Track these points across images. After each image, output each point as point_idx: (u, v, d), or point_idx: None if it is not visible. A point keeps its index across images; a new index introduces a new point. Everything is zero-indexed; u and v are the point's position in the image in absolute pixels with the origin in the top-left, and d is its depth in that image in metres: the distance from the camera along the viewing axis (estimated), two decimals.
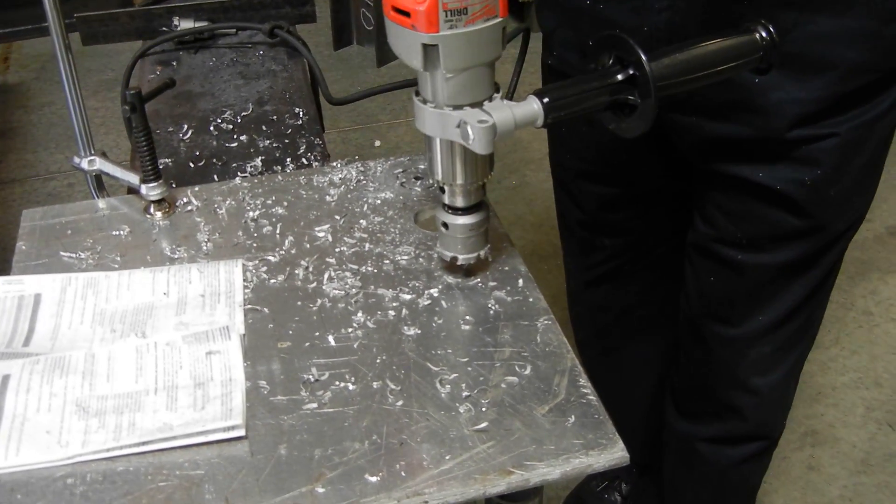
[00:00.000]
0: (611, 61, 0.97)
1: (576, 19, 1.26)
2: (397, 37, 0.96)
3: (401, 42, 0.96)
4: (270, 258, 1.16)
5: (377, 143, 3.36)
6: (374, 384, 0.98)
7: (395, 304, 1.08)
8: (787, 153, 1.20)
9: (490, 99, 0.98)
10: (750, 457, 1.59)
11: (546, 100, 0.94)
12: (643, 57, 0.92)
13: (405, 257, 1.16)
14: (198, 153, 1.47)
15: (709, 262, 1.38)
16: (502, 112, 0.94)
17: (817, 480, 2.11)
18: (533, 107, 0.94)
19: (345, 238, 1.19)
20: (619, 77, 0.95)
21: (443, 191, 1.07)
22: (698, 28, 1.11)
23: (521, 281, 1.12)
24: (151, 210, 1.24)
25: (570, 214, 1.59)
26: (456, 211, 1.08)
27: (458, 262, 1.10)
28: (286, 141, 1.50)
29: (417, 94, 1.00)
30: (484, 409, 0.94)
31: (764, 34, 1.01)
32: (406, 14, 0.92)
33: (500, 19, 0.94)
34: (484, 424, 0.93)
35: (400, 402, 0.95)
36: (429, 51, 0.94)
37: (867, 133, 1.20)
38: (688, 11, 1.12)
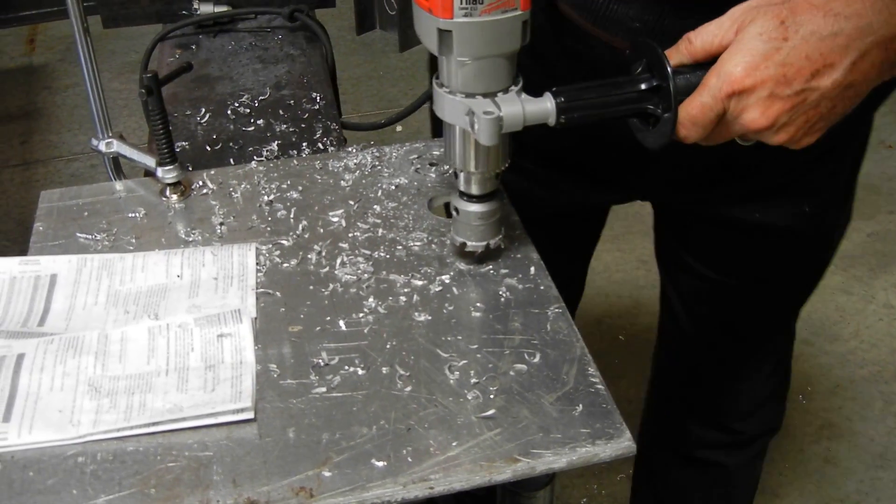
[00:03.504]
0: (639, 70, 0.95)
1: None
2: (418, 19, 0.97)
3: (421, 25, 0.96)
4: (284, 242, 1.17)
5: (399, 128, 3.36)
6: (384, 369, 0.98)
7: (406, 290, 1.09)
8: (785, 189, 1.20)
9: (506, 91, 0.97)
10: (758, 452, 1.60)
11: (561, 99, 0.93)
12: (669, 69, 0.90)
13: (418, 243, 1.16)
14: (214, 136, 1.48)
15: (693, 281, 1.40)
16: (512, 106, 0.93)
17: (833, 474, 2.10)
18: (546, 105, 0.93)
19: (358, 223, 1.19)
20: (643, 86, 0.93)
21: (457, 176, 1.07)
22: None
23: (532, 269, 1.11)
24: (167, 193, 1.25)
25: None
26: (470, 198, 1.08)
27: (469, 249, 1.10)
28: (303, 126, 1.50)
29: (437, 77, 1.00)
30: (492, 397, 0.95)
31: None
32: None
33: (519, 13, 0.93)
34: (491, 412, 0.93)
35: (408, 388, 0.96)
36: (443, 36, 0.94)
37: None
38: None
